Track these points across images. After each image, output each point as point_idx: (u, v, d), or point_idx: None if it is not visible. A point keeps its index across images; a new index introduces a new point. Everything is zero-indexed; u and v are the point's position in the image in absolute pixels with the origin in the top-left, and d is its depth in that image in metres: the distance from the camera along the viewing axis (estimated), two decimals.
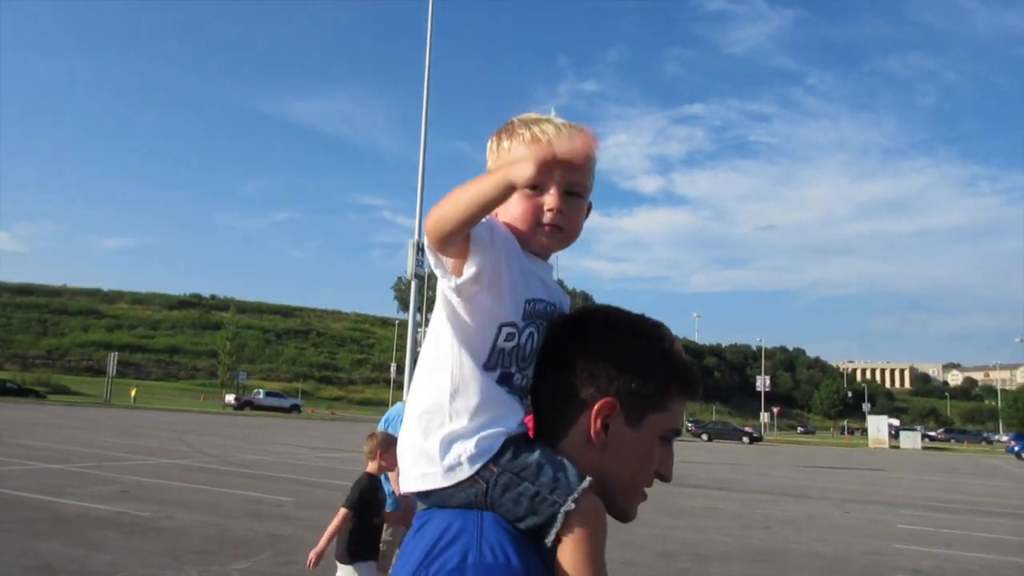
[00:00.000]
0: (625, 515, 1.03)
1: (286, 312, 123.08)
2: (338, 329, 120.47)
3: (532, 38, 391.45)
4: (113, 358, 60.51)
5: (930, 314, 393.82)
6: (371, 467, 4.48)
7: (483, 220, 0.93)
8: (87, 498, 10.59)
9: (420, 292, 27.56)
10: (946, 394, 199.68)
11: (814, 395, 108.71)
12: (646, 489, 1.04)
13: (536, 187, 1.02)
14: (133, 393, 54.77)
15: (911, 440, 60.08)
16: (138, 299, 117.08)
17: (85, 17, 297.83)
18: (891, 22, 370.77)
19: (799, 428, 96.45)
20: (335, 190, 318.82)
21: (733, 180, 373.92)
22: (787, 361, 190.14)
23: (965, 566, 9.36)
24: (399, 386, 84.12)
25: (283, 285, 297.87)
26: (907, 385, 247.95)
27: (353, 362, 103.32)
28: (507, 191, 0.88)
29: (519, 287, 1.00)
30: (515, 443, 0.97)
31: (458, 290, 0.96)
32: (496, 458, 0.95)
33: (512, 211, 1.04)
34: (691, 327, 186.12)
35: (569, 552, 0.91)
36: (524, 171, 0.85)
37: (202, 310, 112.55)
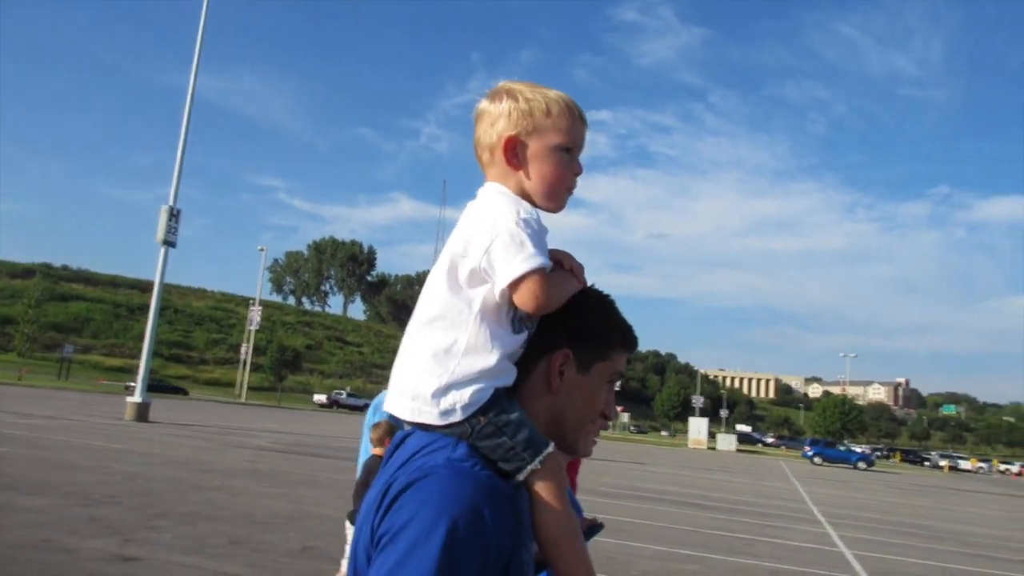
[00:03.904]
0: (577, 450, 1.21)
1: (144, 287, 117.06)
2: (199, 307, 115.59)
3: (448, 32, 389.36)
4: None
5: (801, 330, 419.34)
6: (377, 451, 5.24)
7: (543, 241, 1.14)
8: None
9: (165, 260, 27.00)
10: (800, 405, 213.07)
11: (656, 397, 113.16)
12: (599, 431, 1.25)
13: (569, 150, 1.19)
14: None
15: (727, 442, 63.89)
16: None
17: None
18: (791, 51, 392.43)
19: (632, 428, 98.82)
20: (230, 168, 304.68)
21: (631, 188, 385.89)
22: (659, 365, 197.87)
23: None
24: (255, 368, 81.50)
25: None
26: (771, 395, 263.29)
27: (208, 341, 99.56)
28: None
29: None
30: (500, 397, 1.10)
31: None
32: (485, 408, 1.09)
33: (551, 171, 1.18)
34: None
35: (541, 496, 1.09)
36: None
37: (51, 280, 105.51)
